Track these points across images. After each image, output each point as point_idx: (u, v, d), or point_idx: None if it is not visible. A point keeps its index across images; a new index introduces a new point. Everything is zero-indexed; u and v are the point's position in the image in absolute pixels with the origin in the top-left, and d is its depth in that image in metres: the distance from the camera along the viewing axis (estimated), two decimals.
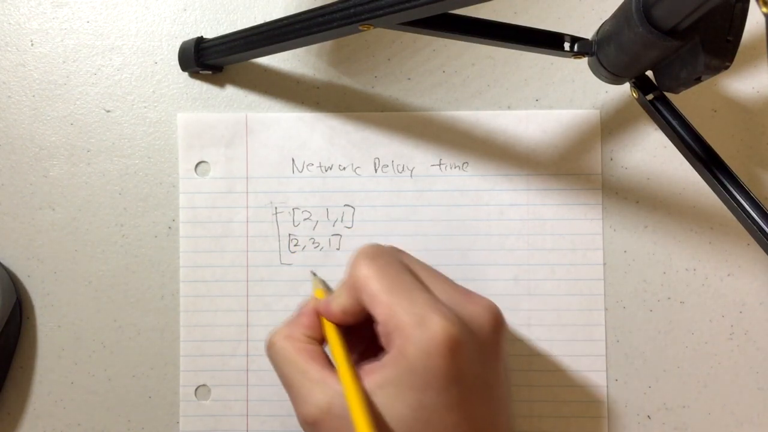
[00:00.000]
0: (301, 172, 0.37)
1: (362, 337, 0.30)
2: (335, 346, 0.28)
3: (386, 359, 0.27)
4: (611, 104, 0.37)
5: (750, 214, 0.29)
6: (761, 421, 0.36)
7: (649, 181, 0.37)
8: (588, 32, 0.31)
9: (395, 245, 0.32)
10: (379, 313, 0.27)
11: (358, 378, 0.27)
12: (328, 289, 0.34)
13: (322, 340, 0.30)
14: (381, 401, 0.26)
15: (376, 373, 0.26)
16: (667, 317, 0.36)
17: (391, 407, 0.26)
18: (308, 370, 0.28)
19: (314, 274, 0.36)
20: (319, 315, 0.30)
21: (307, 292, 0.36)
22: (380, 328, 0.27)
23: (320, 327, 0.30)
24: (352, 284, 0.28)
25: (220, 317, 0.37)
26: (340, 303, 0.29)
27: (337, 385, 0.27)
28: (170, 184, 0.37)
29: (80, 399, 0.37)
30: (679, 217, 0.37)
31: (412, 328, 0.26)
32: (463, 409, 0.26)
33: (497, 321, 0.28)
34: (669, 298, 0.36)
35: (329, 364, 0.28)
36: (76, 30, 0.38)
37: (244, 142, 0.37)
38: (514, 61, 0.37)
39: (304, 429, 0.28)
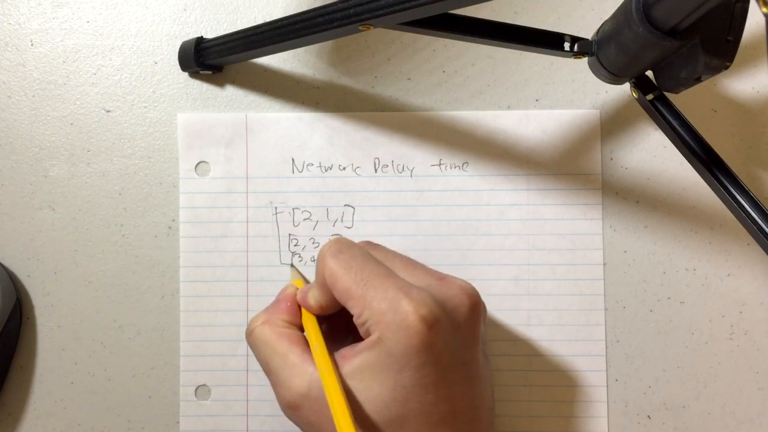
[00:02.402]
0: (301, 172, 0.37)
1: (344, 328, 0.31)
2: (311, 332, 0.29)
3: (363, 344, 0.27)
4: (611, 104, 0.37)
5: (750, 214, 0.29)
6: (761, 421, 0.36)
7: (649, 181, 0.37)
8: (588, 32, 0.31)
9: (392, 244, 0.32)
10: (353, 306, 0.27)
11: (334, 362, 0.27)
12: (305, 279, 0.34)
13: (301, 327, 0.30)
14: (358, 384, 0.26)
15: (353, 358, 0.27)
16: (667, 317, 0.36)
17: (368, 390, 0.26)
18: (288, 354, 0.28)
19: (292, 266, 0.36)
20: (296, 303, 0.31)
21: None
22: (356, 320, 0.28)
23: (299, 314, 0.31)
24: (323, 281, 0.29)
25: (220, 317, 0.37)
26: (315, 297, 0.30)
27: (316, 370, 0.27)
28: (170, 184, 0.37)
29: (80, 399, 0.37)
30: (679, 217, 0.37)
31: (386, 314, 0.26)
32: (441, 388, 0.26)
33: (473, 302, 0.29)
34: (669, 298, 0.36)
35: (308, 349, 0.29)
36: (76, 30, 0.38)
37: (244, 142, 0.37)
38: (514, 61, 0.37)
39: (285, 413, 0.29)
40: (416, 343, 0.26)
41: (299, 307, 0.31)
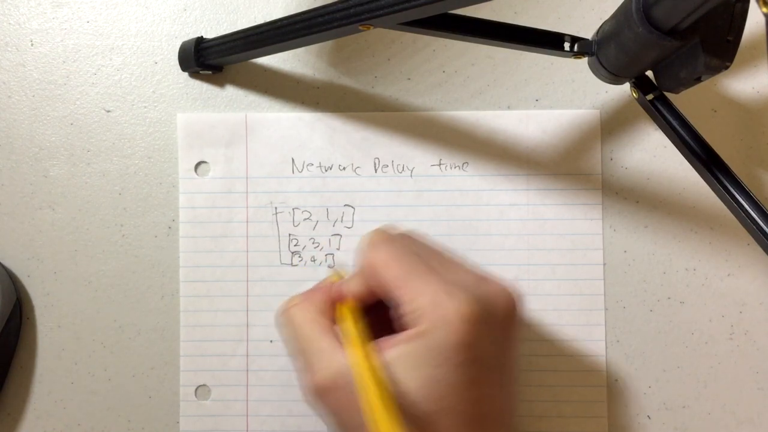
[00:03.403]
0: (301, 172, 0.37)
1: (378, 323, 0.30)
2: (349, 319, 0.28)
3: (402, 335, 0.27)
4: (611, 104, 0.37)
5: (750, 214, 0.29)
6: (761, 421, 0.36)
7: (649, 181, 0.37)
8: (588, 32, 0.31)
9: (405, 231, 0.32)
10: (395, 297, 0.27)
11: (371, 350, 0.27)
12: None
13: (333, 320, 0.30)
14: (394, 375, 0.26)
15: (391, 348, 0.26)
16: (667, 317, 0.36)
17: (403, 382, 0.25)
18: (320, 339, 0.28)
19: (332, 267, 0.36)
20: (331, 293, 0.30)
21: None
22: (396, 312, 0.27)
23: (334, 306, 0.30)
24: (366, 270, 0.29)
25: (220, 317, 0.37)
26: (353, 286, 0.29)
27: (348, 359, 0.27)
28: (170, 184, 0.37)
29: (80, 399, 0.37)
30: (679, 217, 0.37)
31: (429, 309, 0.26)
32: (475, 388, 0.26)
33: (513, 304, 0.28)
34: (669, 298, 0.36)
35: (340, 339, 0.28)
36: (76, 30, 0.38)
37: (244, 142, 0.37)
38: (514, 61, 0.37)
39: (309, 398, 0.28)
40: (458, 341, 0.25)
41: (335, 299, 0.30)
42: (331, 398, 0.27)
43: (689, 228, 0.37)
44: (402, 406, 0.25)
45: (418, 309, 0.26)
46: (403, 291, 0.27)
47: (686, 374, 0.36)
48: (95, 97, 0.38)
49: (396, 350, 0.26)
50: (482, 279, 0.29)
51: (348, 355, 0.27)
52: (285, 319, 0.30)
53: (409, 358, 0.26)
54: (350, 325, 0.28)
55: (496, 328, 0.27)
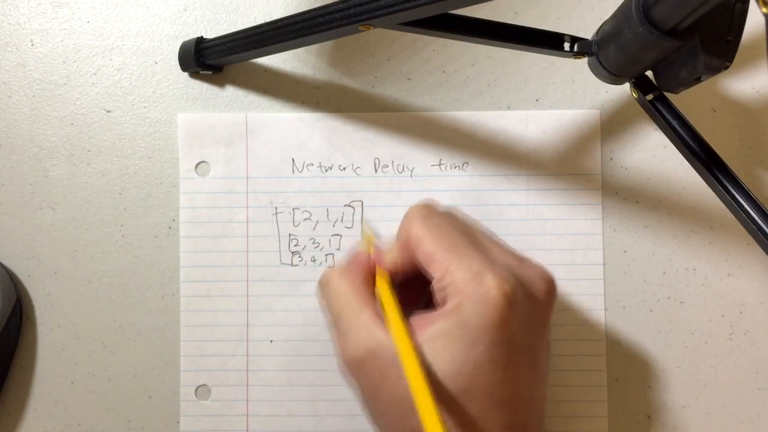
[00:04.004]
0: (301, 172, 0.37)
1: (415, 294, 0.30)
2: (386, 295, 0.28)
3: (438, 312, 0.27)
4: (611, 104, 0.37)
5: (750, 214, 0.29)
6: (761, 421, 0.36)
7: (649, 181, 0.37)
8: (588, 32, 0.31)
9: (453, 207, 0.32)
10: (435, 269, 0.27)
11: (408, 326, 0.26)
12: (377, 237, 0.34)
13: (373, 289, 0.30)
14: (430, 352, 0.26)
15: (427, 325, 0.26)
16: (667, 317, 0.36)
17: (439, 359, 0.25)
18: (361, 311, 0.28)
19: (365, 223, 0.36)
20: (370, 264, 0.30)
21: (307, 291, 0.36)
22: (435, 285, 0.27)
23: (373, 273, 0.30)
24: (406, 242, 0.29)
25: (220, 317, 0.37)
26: (393, 257, 0.29)
27: (387, 332, 0.27)
28: (170, 184, 0.37)
29: (80, 399, 0.37)
30: (679, 217, 0.37)
31: (468, 284, 0.26)
32: (509, 369, 0.26)
33: (550, 290, 0.28)
34: (669, 298, 0.36)
35: (380, 311, 0.28)
36: (76, 30, 0.38)
37: (244, 142, 0.37)
38: (514, 61, 0.37)
39: (345, 368, 0.28)
40: (494, 319, 0.25)
41: (373, 267, 0.30)
42: (369, 370, 0.27)
43: (689, 228, 0.37)
44: (435, 383, 0.25)
45: (456, 283, 0.26)
46: (442, 264, 0.27)
47: (686, 374, 0.36)
48: (95, 97, 0.38)
49: (433, 328, 0.26)
50: (522, 261, 0.29)
51: (381, 331, 0.27)
52: (328, 289, 0.30)
53: (445, 335, 0.26)
54: (386, 299, 0.28)
55: (533, 311, 0.27)
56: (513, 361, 0.26)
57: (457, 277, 0.26)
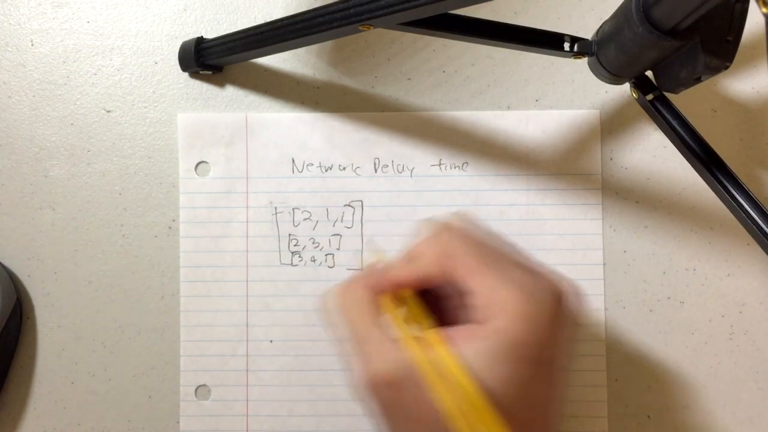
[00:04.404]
0: (301, 172, 0.37)
1: (428, 308, 0.29)
2: (412, 310, 0.27)
3: (479, 330, 0.26)
4: (611, 104, 0.37)
5: (750, 214, 0.29)
6: (761, 421, 0.36)
7: (649, 181, 0.37)
8: (588, 32, 0.31)
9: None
10: (476, 284, 0.26)
11: (447, 345, 0.25)
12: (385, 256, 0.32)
13: (388, 307, 0.28)
14: (476, 372, 0.25)
15: (467, 343, 0.25)
16: (667, 317, 0.36)
17: (485, 379, 0.25)
18: (377, 329, 0.27)
19: (371, 245, 0.36)
20: (384, 281, 0.29)
21: (307, 291, 0.36)
22: (474, 301, 0.26)
23: (386, 296, 0.28)
24: (442, 254, 0.27)
25: (220, 317, 0.37)
26: (423, 270, 0.28)
27: (413, 351, 0.25)
28: (170, 184, 0.37)
29: (80, 399, 0.37)
30: (679, 217, 0.37)
31: (515, 303, 0.25)
32: (551, 386, 0.26)
33: (575, 303, 0.28)
34: (669, 298, 0.36)
35: (395, 330, 0.27)
36: (76, 30, 0.38)
37: (244, 142, 0.37)
38: (514, 61, 0.37)
39: (361, 391, 0.27)
40: (543, 340, 0.25)
41: (388, 286, 0.28)
42: (390, 393, 0.26)
43: (689, 228, 0.37)
44: (492, 404, 0.24)
45: (496, 303, 0.25)
46: (478, 280, 0.26)
47: (686, 374, 0.36)
48: (95, 97, 0.38)
49: (475, 345, 0.25)
50: (551, 275, 0.28)
51: (416, 348, 0.25)
52: (346, 301, 0.28)
53: (488, 355, 0.25)
54: (416, 316, 0.27)
55: (564, 328, 0.27)
56: (554, 379, 0.26)
57: (501, 294, 0.26)
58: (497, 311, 0.26)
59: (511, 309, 0.25)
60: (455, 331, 0.26)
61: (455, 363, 0.25)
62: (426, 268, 0.28)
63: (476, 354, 0.25)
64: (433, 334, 0.26)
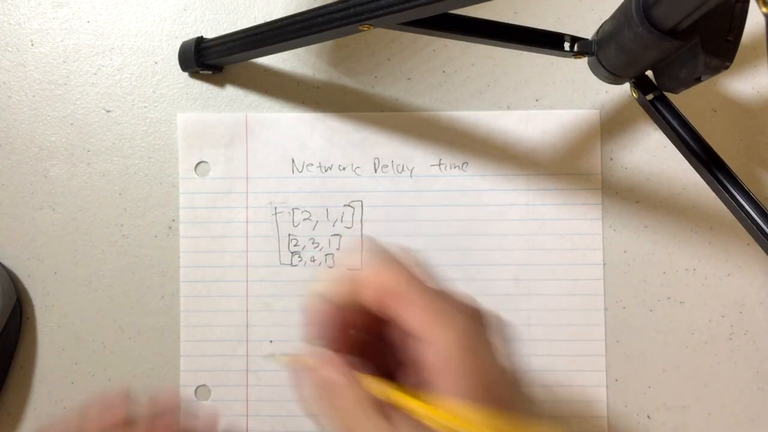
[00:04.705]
0: (301, 172, 0.37)
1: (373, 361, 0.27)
2: (400, 395, 0.25)
3: (446, 382, 0.24)
4: (611, 104, 0.37)
5: (750, 214, 0.29)
6: (761, 421, 0.36)
7: (649, 181, 0.37)
8: (588, 32, 0.31)
9: (396, 245, 0.31)
10: (423, 336, 0.24)
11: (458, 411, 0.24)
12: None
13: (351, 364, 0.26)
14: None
15: (448, 400, 0.24)
16: (667, 317, 0.36)
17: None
18: (377, 418, 0.24)
19: (274, 355, 0.35)
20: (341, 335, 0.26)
21: (306, 291, 0.36)
22: (410, 341, 0.25)
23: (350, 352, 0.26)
24: (380, 288, 0.25)
25: (220, 317, 0.37)
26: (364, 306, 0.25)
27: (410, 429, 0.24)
28: (170, 184, 0.37)
29: (80, 399, 0.37)
30: (679, 217, 0.37)
31: (459, 352, 0.24)
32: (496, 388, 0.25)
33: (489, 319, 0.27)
34: (669, 298, 0.36)
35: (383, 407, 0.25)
36: (76, 30, 0.38)
37: (244, 142, 0.37)
38: (514, 61, 0.37)
39: None
40: (480, 367, 0.24)
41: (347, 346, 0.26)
42: None
43: (689, 228, 0.37)
44: None
45: (446, 350, 0.24)
46: (428, 332, 0.24)
47: (686, 374, 0.36)
48: (95, 97, 0.38)
49: (454, 400, 0.23)
50: (465, 299, 0.26)
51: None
52: (339, 400, 0.25)
53: (468, 402, 0.23)
54: (406, 400, 0.25)
55: (487, 330, 0.27)
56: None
57: (441, 343, 0.24)
58: (446, 357, 0.24)
59: (458, 357, 0.24)
60: (424, 394, 0.24)
61: (470, 415, 0.23)
62: (367, 303, 0.25)
63: (459, 407, 0.23)
64: (439, 412, 0.24)
